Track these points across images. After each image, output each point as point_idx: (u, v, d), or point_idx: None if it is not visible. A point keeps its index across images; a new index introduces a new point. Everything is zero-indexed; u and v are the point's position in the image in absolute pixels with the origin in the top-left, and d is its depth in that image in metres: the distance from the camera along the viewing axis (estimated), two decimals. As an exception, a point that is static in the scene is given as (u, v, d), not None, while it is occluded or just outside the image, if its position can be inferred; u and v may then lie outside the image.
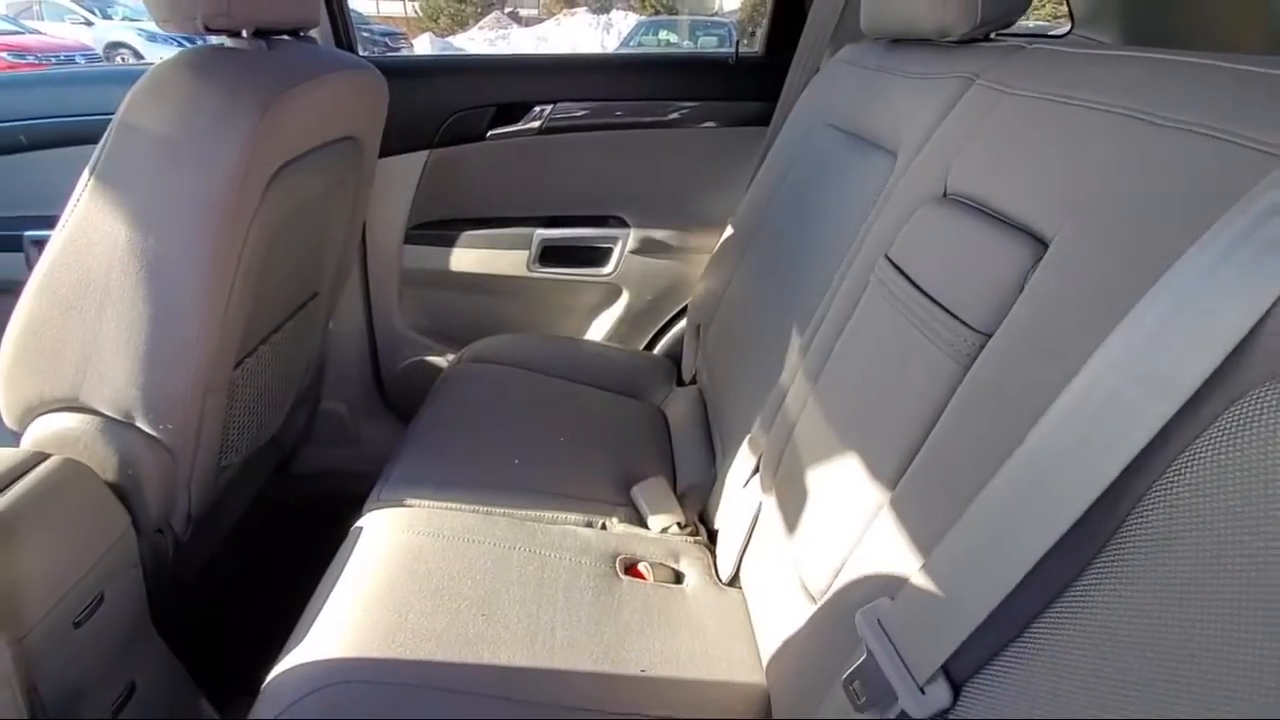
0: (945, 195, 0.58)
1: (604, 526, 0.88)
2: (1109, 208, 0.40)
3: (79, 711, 0.73)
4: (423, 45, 14.99)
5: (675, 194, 1.36)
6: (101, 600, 0.73)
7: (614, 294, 1.42)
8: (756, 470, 0.81)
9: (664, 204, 1.37)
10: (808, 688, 0.54)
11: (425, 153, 1.28)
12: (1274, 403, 0.29)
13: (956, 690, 0.42)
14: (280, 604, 0.75)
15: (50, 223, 0.71)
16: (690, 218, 1.36)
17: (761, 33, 1.32)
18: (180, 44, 10.85)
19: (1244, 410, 0.30)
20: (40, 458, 0.71)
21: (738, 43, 1.29)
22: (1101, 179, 0.42)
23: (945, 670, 0.42)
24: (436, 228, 1.34)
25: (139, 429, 0.76)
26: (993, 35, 0.72)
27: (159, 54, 9.70)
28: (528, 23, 17.91)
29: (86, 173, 0.65)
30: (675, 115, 1.35)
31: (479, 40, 16.52)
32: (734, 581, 0.82)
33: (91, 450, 0.75)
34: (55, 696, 0.68)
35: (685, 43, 12.45)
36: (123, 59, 9.56)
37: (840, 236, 0.76)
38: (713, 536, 0.90)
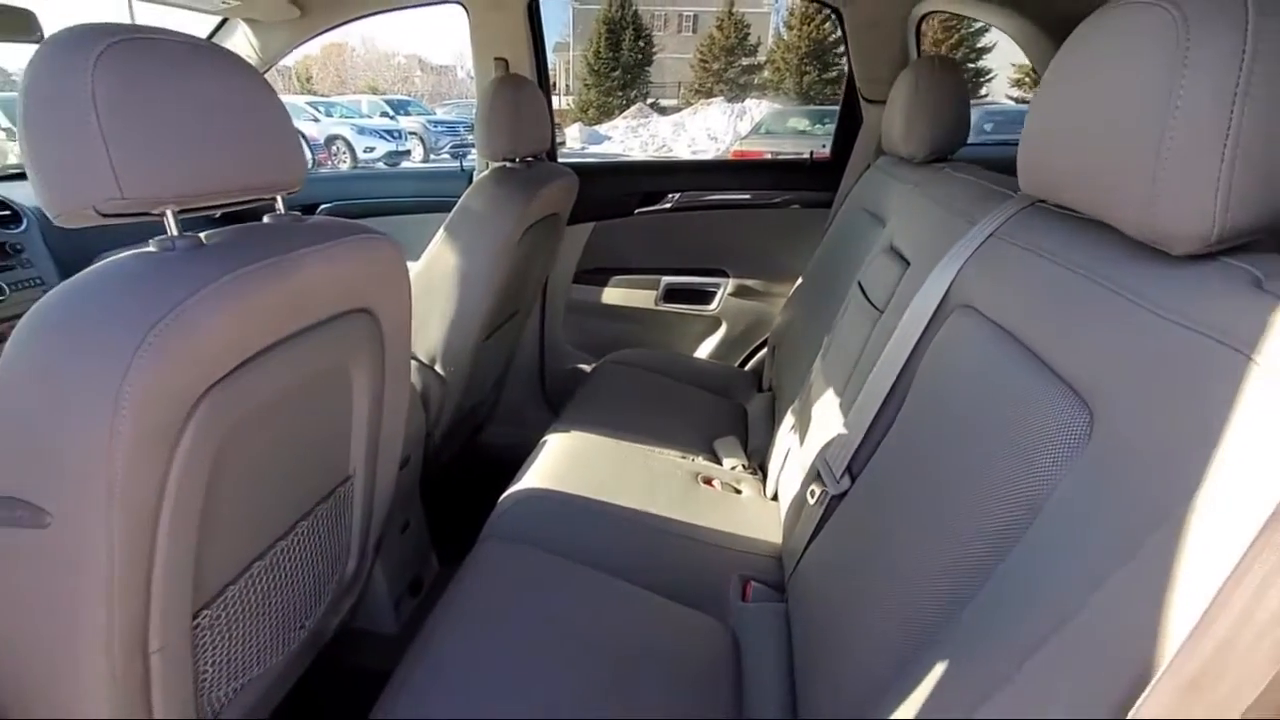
0: (891, 247, 1.03)
1: (692, 460, 1.35)
2: (926, 245, 0.85)
3: (387, 522, 1.29)
4: (573, 133, 16.83)
5: (764, 254, 1.87)
6: (409, 460, 1.31)
7: (716, 324, 1.94)
8: (794, 425, 1.26)
9: (756, 261, 1.88)
10: (796, 509, 0.98)
11: (593, 223, 1.89)
12: (956, 326, 0.73)
13: (854, 478, 0.85)
14: (473, 511, 1.24)
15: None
16: (774, 271, 1.86)
17: (830, 145, 1.82)
18: (382, 136, 12.76)
19: (947, 326, 0.74)
20: (390, 378, 1.32)
21: (811, 152, 1.80)
22: (929, 231, 0.87)
23: (849, 468, 0.85)
24: (595, 274, 1.94)
25: (435, 370, 1.36)
26: (948, 158, 1.18)
27: (364, 143, 11.91)
28: (667, 112, 19.58)
29: (442, 230, 1.28)
30: (769, 199, 1.87)
31: (621, 128, 18.25)
32: (775, 498, 1.25)
33: (413, 378, 1.35)
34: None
35: (815, 127, 13.10)
36: (337, 147, 11.82)
37: (854, 274, 1.22)
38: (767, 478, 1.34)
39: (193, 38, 0.62)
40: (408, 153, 12.17)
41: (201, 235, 0.61)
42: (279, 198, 0.71)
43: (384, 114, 14.43)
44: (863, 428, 0.83)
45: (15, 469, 0.51)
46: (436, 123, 14.09)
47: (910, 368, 0.78)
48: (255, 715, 0.89)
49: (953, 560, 0.55)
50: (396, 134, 12.34)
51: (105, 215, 0.55)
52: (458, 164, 1.93)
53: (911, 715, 0.48)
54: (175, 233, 0.59)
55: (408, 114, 14.61)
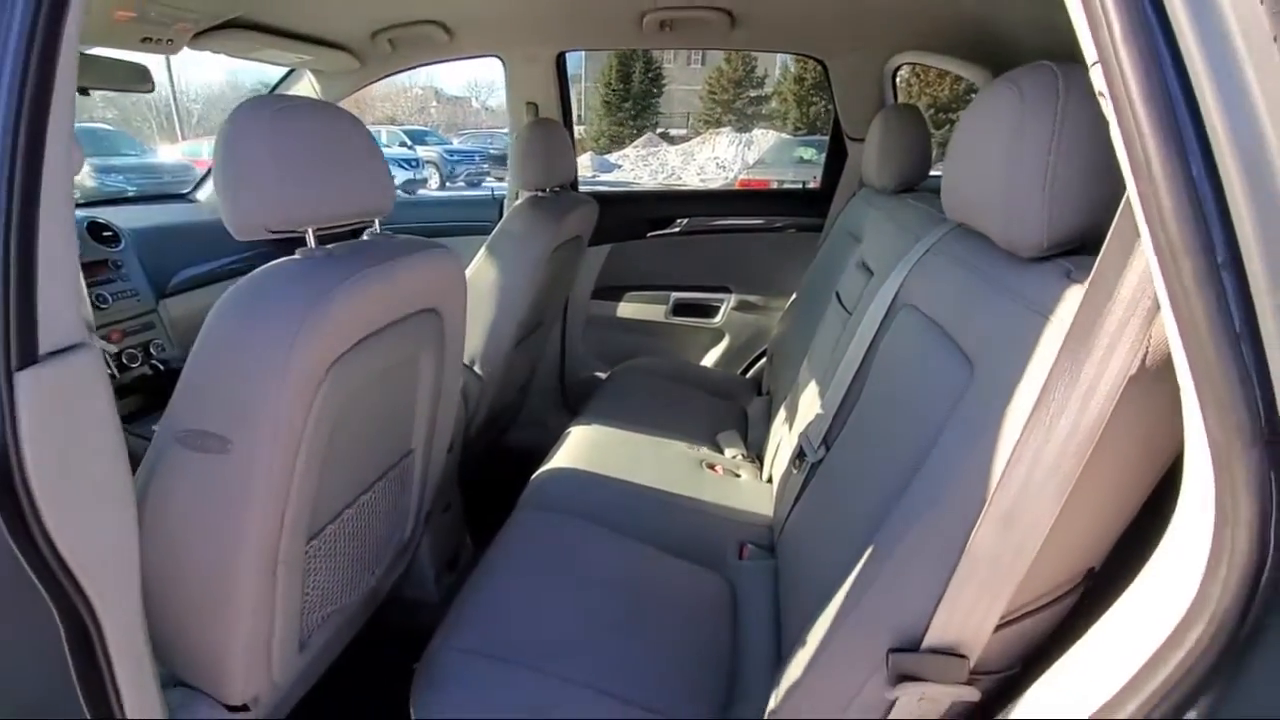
0: (861, 262, 1.23)
1: (698, 449, 1.54)
2: (885, 259, 1.05)
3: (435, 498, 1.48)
4: (584, 161, 17.25)
5: (763, 273, 2.08)
6: (452, 446, 1.51)
7: (719, 336, 2.14)
8: (785, 418, 1.45)
9: (756, 279, 2.09)
10: (784, 481, 1.17)
11: (609, 245, 2.11)
12: (901, 320, 0.93)
13: (829, 448, 1.04)
14: (500, 502, 1.44)
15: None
16: (772, 288, 2.07)
17: (820, 175, 2.04)
18: (400, 165, 13.13)
19: (894, 323, 0.94)
20: (436, 376, 1.53)
21: (805, 183, 2.02)
22: (889, 247, 1.07)
23: (825, 440, 1.04)
24: (611, 290, 2.16)
25: (474, 370, 1.56)
26: (915, 188, 1.39)
27: (384, 170, 12.32)
28: (676, 141, 20.05)
29: (484, 249, 1.49)
30: (769, 224, 2.09)
31: (632, 156, 18.71)
32: (770, 480, 1.44)
33: (455, 377, 1.55)
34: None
35: (820, 156, 13.37)
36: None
37: (834, 288, 1.42)
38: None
39: (324, 102, 0.84)
40: (425, 181, 12.56)
41: (330, 247, 0.83)
42: (377, 220, 0.93)
43: (402, 144, 14.87)
44: (834, 407, 1.02)
45: (211, 408, 0.72)
46: (453, 151, 14.49)
47: (870, 356, 0.97)
48: (331, 649, 1.08)
49: (883, 493, 0.74)
50: (414, 163, 12.74)
51: (271, 232, 0.76)
52: (489, 192, 2.17)
53: (839, 603, 0.67)
54: (314, 245, 0.80)
55: (425, 144, 15.02)
